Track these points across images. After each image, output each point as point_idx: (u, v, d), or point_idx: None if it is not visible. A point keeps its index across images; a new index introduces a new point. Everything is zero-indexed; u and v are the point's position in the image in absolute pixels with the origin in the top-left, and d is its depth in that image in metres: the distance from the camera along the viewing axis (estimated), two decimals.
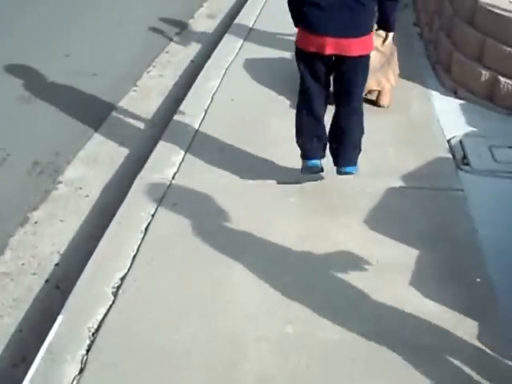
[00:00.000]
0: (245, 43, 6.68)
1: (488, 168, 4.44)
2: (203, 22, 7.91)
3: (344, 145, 3.88)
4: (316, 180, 4.12)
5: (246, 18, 7.48)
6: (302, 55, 3.65)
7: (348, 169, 3.94)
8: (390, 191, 4.14)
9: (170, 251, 3.64)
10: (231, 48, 6.54)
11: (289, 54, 5.89)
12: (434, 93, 5.59)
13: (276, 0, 7.67)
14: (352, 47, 3.49)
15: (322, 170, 4.03)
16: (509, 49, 5.10)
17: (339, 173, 4.00)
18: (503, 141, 4.78)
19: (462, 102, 5.42)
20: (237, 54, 6.42)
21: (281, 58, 6.12)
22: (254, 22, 7.28)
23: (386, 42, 3.97)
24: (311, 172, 3.99)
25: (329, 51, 3.49)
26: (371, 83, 4.92)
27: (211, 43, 7.03)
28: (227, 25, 7.51)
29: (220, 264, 3.51)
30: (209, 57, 6.38)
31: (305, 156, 3.97)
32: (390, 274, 3.45)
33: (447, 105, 5.37)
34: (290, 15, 3.73)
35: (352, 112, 3.78)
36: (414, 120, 5.12)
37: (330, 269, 3.46)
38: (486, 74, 5.26)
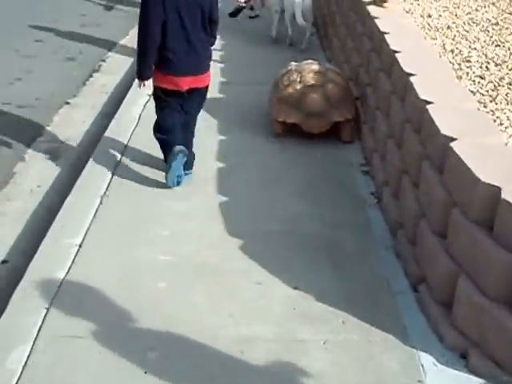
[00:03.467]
0: None
1: None
2: None
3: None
4: None
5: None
6: (162, 93, 4.40)
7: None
8: None
9: None
10: None
11: None
12: (426, 358, 2.89)
13: None
14: (202, 81, 4.45)
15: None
16: None
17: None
18: None
19: (480, 381, 2.77)
20: None
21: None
22: None
23: None
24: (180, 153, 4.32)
25: (185, 86, 4.37)
26: (334, 115, 4.84)
27: None
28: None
29: None
30: None
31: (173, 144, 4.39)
32: None
33: None
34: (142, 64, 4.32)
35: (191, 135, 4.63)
36: None
37: None
38: None
